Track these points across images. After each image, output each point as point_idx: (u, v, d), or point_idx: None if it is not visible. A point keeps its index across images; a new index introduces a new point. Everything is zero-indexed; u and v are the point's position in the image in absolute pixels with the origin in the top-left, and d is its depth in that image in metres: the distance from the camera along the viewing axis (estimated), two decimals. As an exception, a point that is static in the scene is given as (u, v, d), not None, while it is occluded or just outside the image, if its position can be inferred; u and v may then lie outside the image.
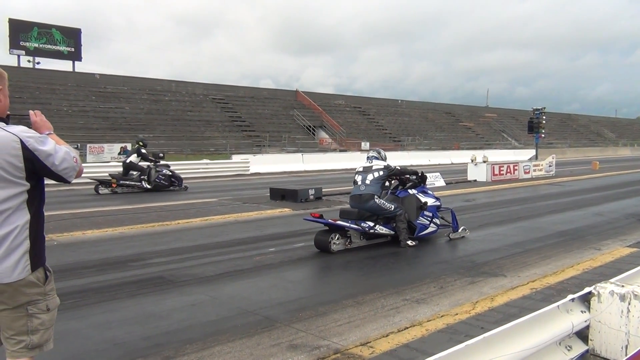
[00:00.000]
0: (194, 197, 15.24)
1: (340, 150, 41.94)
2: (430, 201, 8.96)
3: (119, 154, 30.16)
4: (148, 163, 17.08)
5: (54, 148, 2.45)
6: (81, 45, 45.36)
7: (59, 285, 5.61)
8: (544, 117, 28.13)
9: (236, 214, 11.78)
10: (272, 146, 41.84)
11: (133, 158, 17.12)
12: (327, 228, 8.01)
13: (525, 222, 10.91)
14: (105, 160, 28.56)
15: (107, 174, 17.28)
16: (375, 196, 8.19)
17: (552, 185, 19.75)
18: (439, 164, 34.51)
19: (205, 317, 5.09)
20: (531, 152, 38.77)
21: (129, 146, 31.17)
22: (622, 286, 3.16)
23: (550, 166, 24.55)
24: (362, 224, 8.06)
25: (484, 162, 21.54)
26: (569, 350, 3.14)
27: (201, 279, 6.48)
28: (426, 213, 8.77)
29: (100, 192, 16.22)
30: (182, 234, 9.47)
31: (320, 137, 49.97)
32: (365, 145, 45.54)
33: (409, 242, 8.30)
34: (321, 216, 7.97)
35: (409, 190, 8.88)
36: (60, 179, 2.51)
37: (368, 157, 8.78)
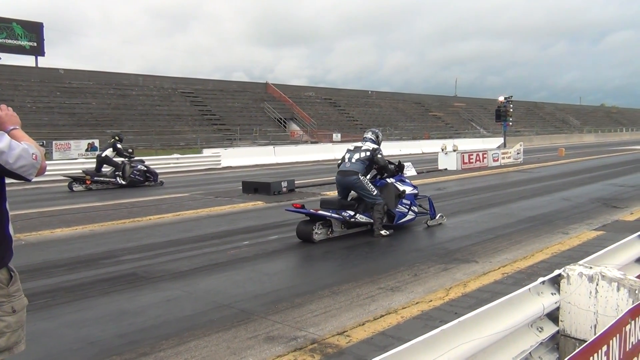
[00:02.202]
0: (165, 193, 15.06)
1: (312, 142, 41.92)
2: (408, 189, 9.14)
3: (87, 150, 29.59)
4: (123, 158, 16.82)
5: (9, 145, 2.34)
6: (44, 39, 44.12)
7: (29, 286, 5.51)
8: (512, 106, 28.60)
9: (209, 208, 11.68)
10: (243, 139, 41.59)
11: (108, 152, 16.79)
12: (308, 218, 8.10)
13: (496, 209, 11.11)
14: (73, 157, 27.96)
15: (79, 171, 16.96)
16: (359, 174, 8.34)
17: (521, 172, 20.13)
18: (410, 154, 34.80)
19: (180, 312, 5.05)
20: (499, 140, 39.38)
21: (96, 142, 30.63)
22: (590, 268, 3.25)
23: (518, 154, 25.00)
24: (342, 213, 8.19)
25: (454, 151, 21.83)
26: (540, 331, 3.22)
27: (175, 274, 6.42)
28: (404, 201, 8.95)
29: (74, 189, 15.92)
30: (154, 230, 9.36)
31: (292, 129, 49.84)
32: (336, 136, 45.64)
33: (382, 232, 8.39)
34: (303, 206, 8.07)
35: (387, 179, 9.02)
36: (18, 177, 2.40)
37: (364, 138, 8.89)
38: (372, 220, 8.47)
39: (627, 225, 8.92)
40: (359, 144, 8.82)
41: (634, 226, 8.43)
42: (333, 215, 8.10)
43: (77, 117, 38.57)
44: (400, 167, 9.27)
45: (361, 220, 8.41)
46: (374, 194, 8.40)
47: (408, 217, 9.01)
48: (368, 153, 8.55)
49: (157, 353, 4.12)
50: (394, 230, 8.68)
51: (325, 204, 8.41)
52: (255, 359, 3.98)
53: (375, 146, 8.69)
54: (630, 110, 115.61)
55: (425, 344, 2.40)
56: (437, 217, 9.36)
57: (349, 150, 8.80)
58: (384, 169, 8.94)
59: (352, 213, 8.29)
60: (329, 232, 8.24)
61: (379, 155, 8.65)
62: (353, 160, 8.53)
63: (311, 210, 8.04)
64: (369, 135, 8.91)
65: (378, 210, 8.37)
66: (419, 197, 9.47)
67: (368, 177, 8.91)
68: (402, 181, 9.29)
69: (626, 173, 18.75)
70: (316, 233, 8.02)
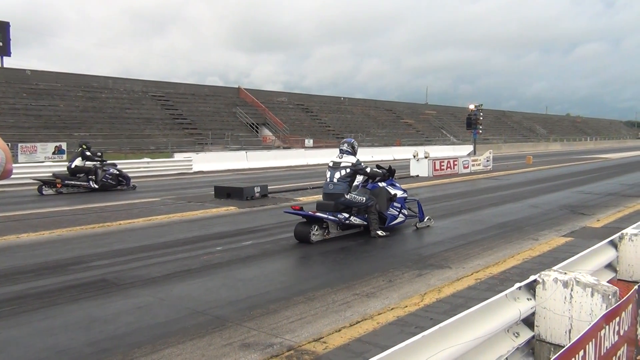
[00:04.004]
0: (136, 197, 14.80)
1: (284, 148, 41.84)
2: (399, 193, 9.51)
3: (54, 153, 28.93)
4: (94, 163, 16.51)
5: None
6: (10, 39, 42.97)
7: (-4, 292, 5.32)
8: (481, 114, 29.07)
9: (180, 213, 11.53)
10: (215, 144, 41.21)
11: (78, 162, 16.47)
12: (305, 220, 8.38)
13: (467, 215, 11.24)
14: (39, 160, 27.27)
15: (48, 174, 16.58)
16: (345, 194, 8.55)
17: (490, 180, 20.45)
18: (382, 160, 34.99)
19: (153, 320, 4.95)
20: (469, 148, 39.96)
21: (64, 145, 29.96)
22: (565, 273, 3.30)
23: (487, 161, 25.41)
24: (338, 216, 8.49)
25: (426, 157, 22.03)
26: (516, 336, 3.25)
27: (147, 280, 6.30)
28: (395, 204, 9.32)
29: (44, 192, 15.52)
30: (124, 235, 9.18)
31: (264, 134, 49.68)
32: (308, 142, 45.63)
33: (379, 232, 8.75)
34: (301, 208, 8.38)
35: (379, 184, 9.37)
36: None
37: (340, 150, 9.02)
38: (365, 223, 8.81)
39: (594, 231, 9.14)
40: (336, 159, 8.90)
41: (601, 233, 8.64)
42: (329, 217, 8.39)
43: (44, 119, 37.68)
44: (391, 172, 9.57)
45: (355, 222, 8.75)
46: (363, 201, 8.68)
47: (399, 220, 9.37)
48: (348, 169, 8.71)
49: (129, 361, 4.02)
50: (390, 232, 9.02)
51: (322, 206, 8.59)
52: (230, 367, 3.93)
53: (354, 160, 8.81)
54: (595, 120, 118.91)
55: (406, 351, 2.40)
56: (425, 220, 9.73)
57: (329, 168, 8.89)
58: (371, 177, 9.20)
59: (347, 215, 8.60)
60: (325, 234, 8.53)
61: (361, 167, 8.83)
62: (335, 180, 8.67)
63: (309, 213, 8.30)
64: (344, 147, 9.00)
65: (372, 212, 8.73)
66: (408, 200, 9.81)
67: (360, 181, 9.20)
68: (393, 185, 9.65)
69: (592, 181, 19.23)
70: (313, 234, 8.30)
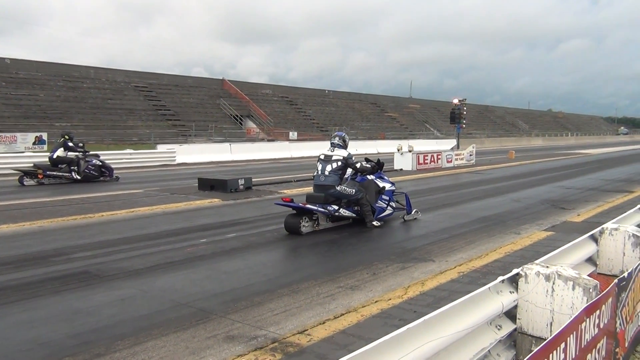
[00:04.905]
0: (118, 189, 14.66)
1: (268, 140, 41.71)
2: (387, 186, 9.67)
3: (34, 143, 28.51)
4: (76, 153, 16.31)
5: None
6: (-12, 27, 42.11)
7: (-25, 284, 5.23)
8: (465, 108, 29.29)
9: (164, 205, 11.44)
10: (199, 136, 40.96)
11: (60, 152, 16.25)
12: (295, 212, 8.47)
13: (450, 209, 11.33)
14: (19, 150, 26.85)
15: (29, 164, 16.35)
16: (335, 185, 8.69)
17: (473, 174, 20.61)
18: (366, 153, 35.04)
19: (136, 312, 4.92)
20: (452, 142, 40.28)
21: (44, 135, 29.55)
22: (547, 267, 3.34)
23: (470, 155, 25.59)
24: (328, 208, 8.61)
25: (410, 151, 22.13)
26: (499, 329, 3.29)
27: (130, 272, 6.26)
28: (384, 197, 9.49)
29: (25, 183, 15.30)
30: (107, 227, 9.09)
31: (248, 126, 49.47)
32: (292, 135, 45.55)
33: (374, 223, 8.97)
34: (292, 200, 8.46)
35: (368, 176, 9.51)
36: None
37: (332, 144, 9.14)
38: (354, 215, 8.99)
39: (575, 226, 9.27)
40: (328, 152, 9.02)
41: (581, 227, 8.77)
42: (319, 209, 8.49)
43: (24, 108, 37.08)
44: (380, 165, 9.68)
45: (345, 214, 8.88)
46: (353, 193, 8.82)
47: (387, 212, 9.52)
48: (340, 162, 8.85)
49: (112, 354, 4.00)
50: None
51: (312, 198, 8.67)
52: (215, 359, 3.92)
53: (346, 154, 8.94)
54: (576, 115, 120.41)
55: (392, 343, 2.41)
56: (412, 213, 9.87)
57: (320, 160, 9.00)
58: (360, 172, 9.33)
59: (336, 207, 8.73)
60: (315, 225, 8.63)
61: (352, 161, 8.97)
62: (326, 173, 8.79)
63: (299, 205, 8.38)
64: (336, 141, 9.14)
65: (364, 204, 8.90)
66: (396, 193, 9.95)
67: (349, 174, 9.32)
68: (382, 178, 9.81)
69: (573, 176, 19.48)
70: (303, 226, 8.41)
